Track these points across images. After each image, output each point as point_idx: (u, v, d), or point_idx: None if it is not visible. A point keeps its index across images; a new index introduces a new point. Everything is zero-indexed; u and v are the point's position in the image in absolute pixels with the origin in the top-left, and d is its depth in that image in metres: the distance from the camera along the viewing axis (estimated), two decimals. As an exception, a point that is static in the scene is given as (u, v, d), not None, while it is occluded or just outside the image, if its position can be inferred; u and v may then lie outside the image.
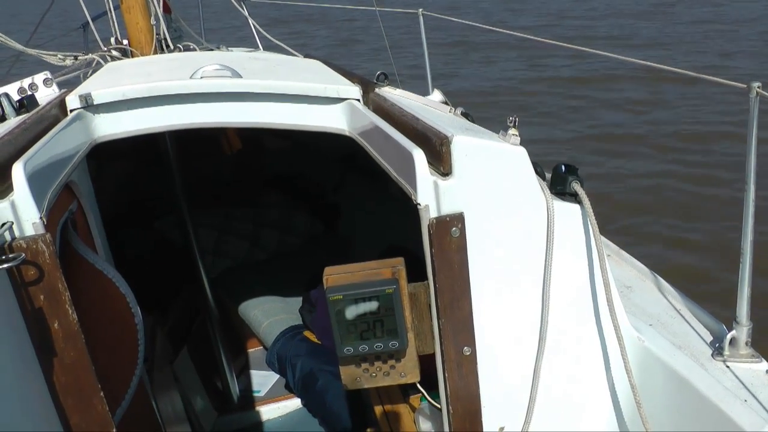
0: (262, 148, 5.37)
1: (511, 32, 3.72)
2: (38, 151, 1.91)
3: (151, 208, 5.02)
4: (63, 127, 2.19)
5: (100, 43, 4.20)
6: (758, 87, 1.98)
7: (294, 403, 4.52)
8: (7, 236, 1.74)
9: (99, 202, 2.96)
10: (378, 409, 3.33)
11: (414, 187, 1.92)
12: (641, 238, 8.02)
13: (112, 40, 4.17)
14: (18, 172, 1.75)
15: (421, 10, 4.33)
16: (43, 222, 1.77)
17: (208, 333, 4.48)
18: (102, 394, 1.93)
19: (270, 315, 4.39)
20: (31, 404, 1.82)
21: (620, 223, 8.38)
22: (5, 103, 2.57)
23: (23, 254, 1.73)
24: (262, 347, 4.72)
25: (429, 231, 1.94)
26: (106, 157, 3.08)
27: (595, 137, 12.10)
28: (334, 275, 2.04)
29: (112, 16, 4.36)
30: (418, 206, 1.94)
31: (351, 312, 1.99)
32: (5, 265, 1.68)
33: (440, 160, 1.94)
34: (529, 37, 3.44)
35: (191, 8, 6.48)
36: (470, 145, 1.94)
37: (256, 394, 4.72)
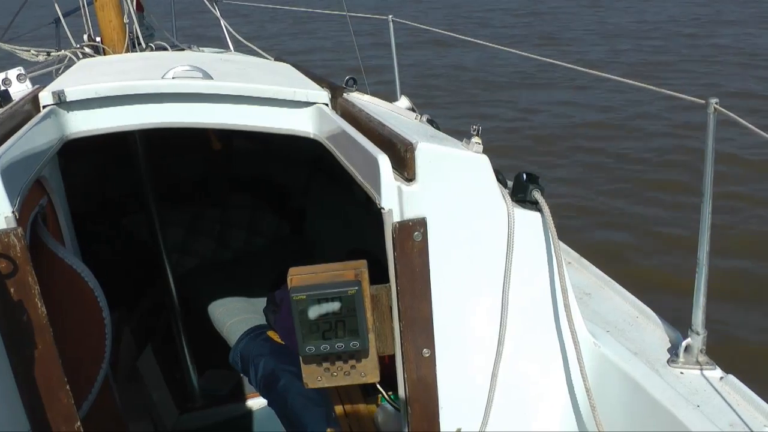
0: (232, 150, 5.38)
1: (478, 41, 3.78)
2: (11, 146, 1.92)
3: (120, 206, 5.01)
4: (36, 123, 2.20)
5: (72, 40, 4.19)
6: (716, 103, 2.05)
7: (257, 402, 4.53)
8: None
9: (68, 198, 2.97)
10: (338, 409, 3.36)
11: (378, 191, 1.96)
12: (600, 246, 8.11)
13: (85, 37, 4.16)
14: None
15: (390, 16, 4.37)
16: (16, 216, 1.79)
17: (173, 331, 4.48)
18: (68, 387, 1.95)
19: (234, 314, 4.40)
20: None
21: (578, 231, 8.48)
22: (-22, 99, 2.57)
23: None
24: (226, 346, 4.74)
25: (392, 235, 1.98)
26: (77, 153, 3.09)
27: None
28: (298, 275, 2.06)
29: (85, 12, 4.35)
30: (382, 210, 1.97)
31: (314, 312, 2.01)
32: None
33: (404, 165, 1.98)
34: (502, 47, 3.49)
35: (164, 7, 6.47)
36: (434, 151, 1.99)
37: (219, 393, 4.73)
